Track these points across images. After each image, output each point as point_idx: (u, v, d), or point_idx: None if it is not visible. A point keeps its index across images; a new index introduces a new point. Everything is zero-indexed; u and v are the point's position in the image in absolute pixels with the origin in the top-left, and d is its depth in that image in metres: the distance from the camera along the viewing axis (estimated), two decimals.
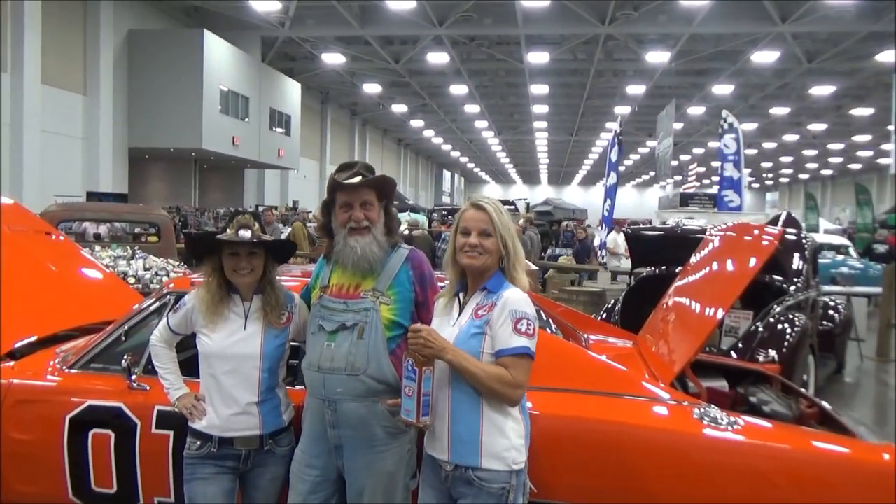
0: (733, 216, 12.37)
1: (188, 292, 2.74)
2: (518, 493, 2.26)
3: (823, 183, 59.60)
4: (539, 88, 28.85)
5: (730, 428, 2.60)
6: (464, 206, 2.42)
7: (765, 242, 3.28)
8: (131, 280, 6.60)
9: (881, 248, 17.08)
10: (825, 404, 3.27)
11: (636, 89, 28.19)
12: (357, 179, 2.51)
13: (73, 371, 3.15)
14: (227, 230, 2.59)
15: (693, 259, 3.84)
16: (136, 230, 11.12)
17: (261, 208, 21.42)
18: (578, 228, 16.80)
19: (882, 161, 43.14)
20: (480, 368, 2.21)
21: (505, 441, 2.25)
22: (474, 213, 2.35)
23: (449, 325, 2.35)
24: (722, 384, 3.52)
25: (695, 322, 3.27)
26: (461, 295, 2.39)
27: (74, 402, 3.02)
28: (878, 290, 10.49)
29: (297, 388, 2.82)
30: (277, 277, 2.72)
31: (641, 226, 13.15)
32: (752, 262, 3.12)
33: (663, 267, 6.97)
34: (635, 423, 2.68)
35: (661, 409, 2.79)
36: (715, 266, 3.66)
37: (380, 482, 2.46)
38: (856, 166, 49.80)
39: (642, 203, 61.10)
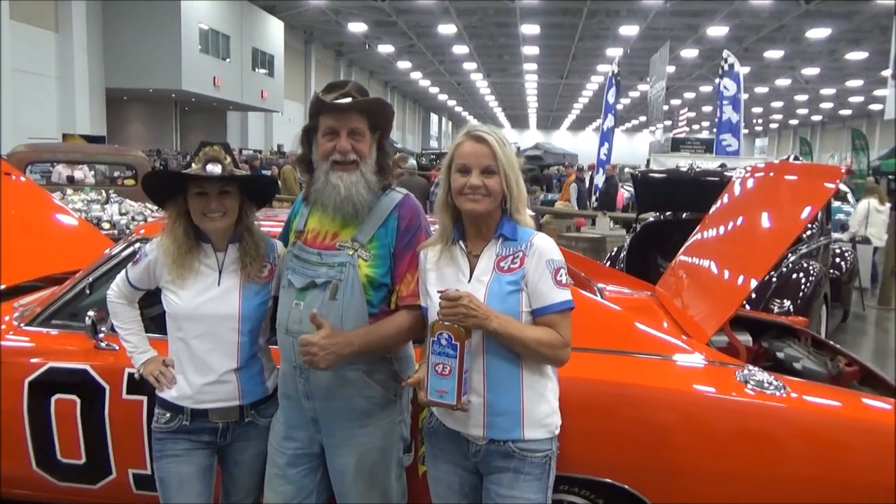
0: (731, 160, 12.08)
1: None
2: (555, 458, 2.01)
3: (813, 129, 59.22)
4: (530, 29, 28.04)
5: (777, 392, 2.31)
6: (459, 138, 1.99)
7: (824, 184, 2.87)
8: (106, 225, 6.21)
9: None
10: (868, 363, 3.01)
11: (629, 30, 27.47)
12: (347, 101, 2.06)
13: (31, 328, 2.79)
14: (193, 165, 2.14)
15: (721, 202, 3.51)
16: (115, 174, 10.64)
17: (243, 153, 20.86)
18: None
19: (873, 107, 42.79)
20: (528, 335, 1.90)
21: (546, 406, 1.98)
22: (474, 146, 1.94)
23: (461, 281, 1.97)
24: (746, 338, 3.25)
25: (736, 273, 2.94)
26: (462, 244, 2.01)
27: (34, 363, 2.68)
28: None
29: None
30: (257, 223, 2.27)
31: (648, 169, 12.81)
32: (808, 207, 2.74)
33: (669, 213, 6.68)
34: (668, 386, 2.41)
35: (697, 371, 2.51)
36: (762, 211, 3.30)
37: (366, 460, 2.11)
38: (846, 112, 49.40)
39: (632, 148, 60.55)
